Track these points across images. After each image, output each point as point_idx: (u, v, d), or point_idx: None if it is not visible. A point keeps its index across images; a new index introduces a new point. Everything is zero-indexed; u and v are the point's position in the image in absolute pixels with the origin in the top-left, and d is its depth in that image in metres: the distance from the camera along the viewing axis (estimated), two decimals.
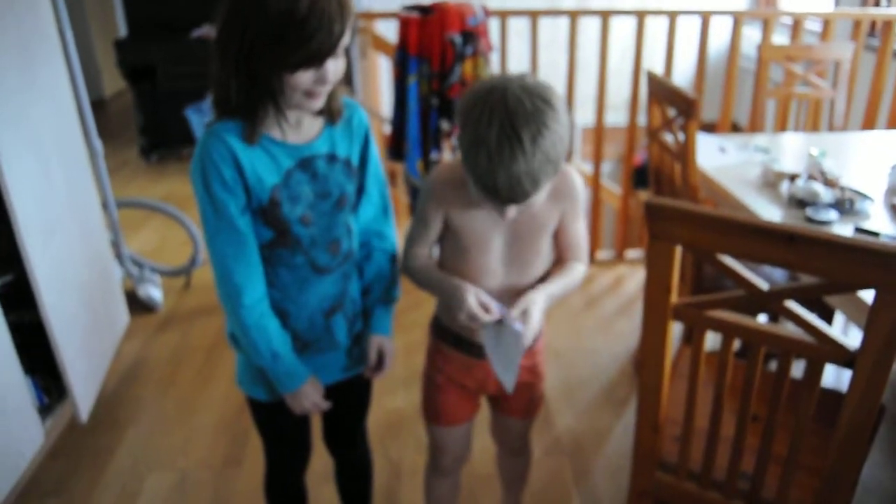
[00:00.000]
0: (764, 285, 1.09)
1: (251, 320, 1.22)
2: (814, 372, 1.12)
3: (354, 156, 1.27)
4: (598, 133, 3.23)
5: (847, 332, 2.60)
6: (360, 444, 1.62)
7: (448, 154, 2.86)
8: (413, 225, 1.36)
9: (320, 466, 1.69)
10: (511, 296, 1.31)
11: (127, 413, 2.37)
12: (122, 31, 5.20)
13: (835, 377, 2.42)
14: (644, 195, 3.78)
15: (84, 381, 2.13)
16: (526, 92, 1.10)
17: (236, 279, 1.19)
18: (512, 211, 1.18)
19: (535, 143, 1.07)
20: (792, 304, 1.09)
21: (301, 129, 1.20)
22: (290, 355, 1.27)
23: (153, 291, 3.00)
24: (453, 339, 1.40)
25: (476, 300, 1.23)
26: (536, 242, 1.31)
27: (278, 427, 1.45)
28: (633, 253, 3.45)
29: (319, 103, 1.14)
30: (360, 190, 1.32)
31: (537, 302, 1.24)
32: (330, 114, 1.22)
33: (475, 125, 1.10)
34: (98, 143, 2.59)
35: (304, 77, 1.08)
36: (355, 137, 1.27)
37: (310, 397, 1.31)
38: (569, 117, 1.14)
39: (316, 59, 1.07)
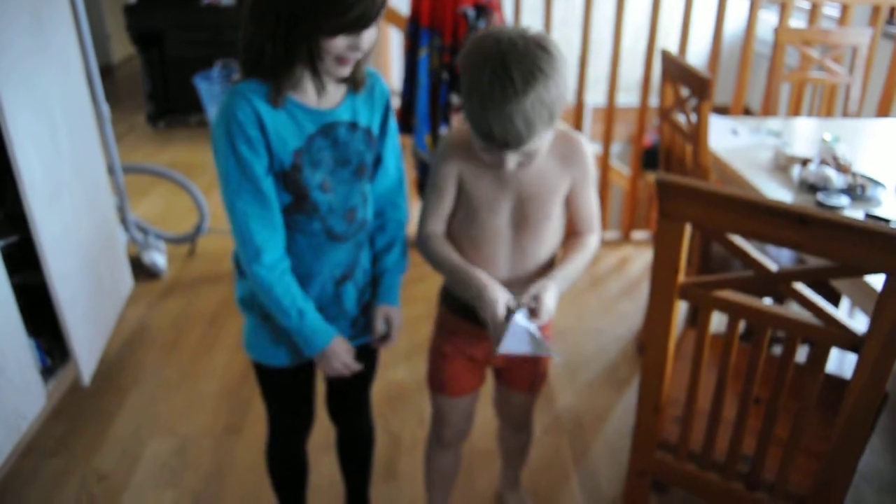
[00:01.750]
0: (773, 266, 1.08)
1: (274, 278, 1.21)
2: (819, 355, 1.11)
3: (375, 125, 1.27)
4: (610, 113, 3.20)
5: (853, 317, 2.59)
6: (364, 415, 1.62)
7: None
8: (427, 194, 1.36)
9: (321, 436, 1.70)
10: (521, 264, 1.31)
11: (129, 377, 2.38)
12: None
13: (837, 362, 2.41)
14: (652, 177, 3.76)
15: (87, 344, 2.14)
16: (521, 36, 1.11)
17: (258, 239, 1.18)
18: (511, 161, 1.18)
19: (527, 82, 1.08)
20: (800, 287, 1.08)
21: (325, 95, 1.19)
22: (314, 312, 1.26)
23: (157, 258, 3.00)
24: (462, 309, 1.40)
25: (504, 305, 1.22)
26: (545, 205, 1.30)
27: (285, 393, 1.45)
28: (640, 234, 3.43)
29: (348, 70, 1.14)
30: (378, 160, 1.32)
31: (549, 288, 1.23)
32: (354, 82, 1.21)
33: (470, 71, 1.12)
34: (105, 108, 2.57)
35: (340, 43, 1.08)
36: (376, 107, 1.27)
37: (340, 357, 1.30)
38: (565, 64, 1.14)
39: (358, 25, 1.07)
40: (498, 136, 1.12)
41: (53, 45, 2.07)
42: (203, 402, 2.27)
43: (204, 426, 2.16)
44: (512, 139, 1.12)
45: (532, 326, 1.20)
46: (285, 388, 1.43)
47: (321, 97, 1.19)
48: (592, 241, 1.35)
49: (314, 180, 1.20)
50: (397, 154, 1.36)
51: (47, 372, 2.12)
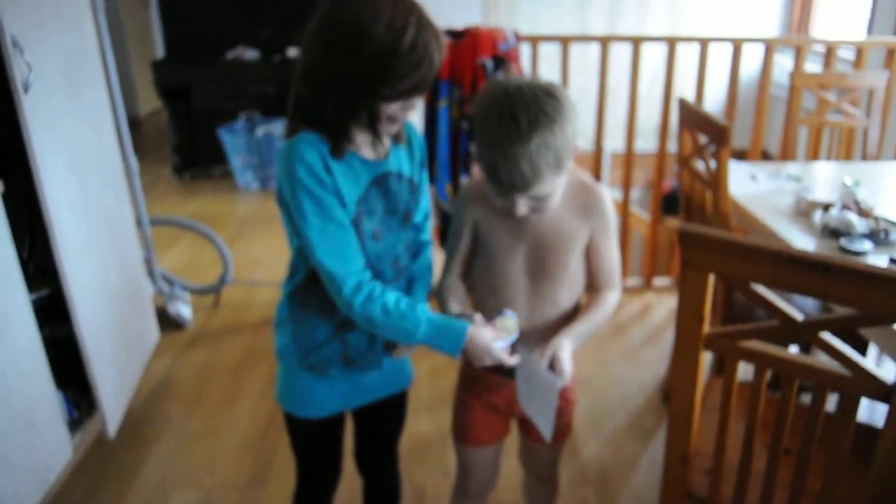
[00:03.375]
0: (798, 316, 1.07)
1: (364, 303, 1.18)
2: (849, 406, 1.10)
3: (416, 175, 1.31)
4: (628, 159, 3.22)
5: (881, 364, 2.55)
6: (392, 469, 1.62)
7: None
8: (448, 243, 1.41)
9: (346, 490, 1.69)
10: (541, 312, 1.33)
11: (154, 430, 2.39)
12: (160, 52, 5.31)
13: (868, 411, 2.36)
14: (673, 222, 3.76)
15: (114, 396, 2.15)
16: (529, 84, 1.16)
17: (357, 275, 1.18)
18: (522, 206, 1.20)
19: (532, 126, 1.12)
20: (827, 336, 1.07)
21: (376, 147, 1.23)
22: (431, 317, 1.22)
23: (183, 309, 3.03)
24: None
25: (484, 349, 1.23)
26: (562, 255, 1.31)
27: (316, 445, 1.46)
28: (662, 281, 3.42)
29: (398, 127, 1.21)
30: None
31: (564, 346, 1.25)
32: (397, 135, 1.26)
33: (480, 116, 1.17)
34: (134, 161, 2.64)
35: (396, 105, 1.13)
36: (415, 157, 1.32)
37: (484, 347, 1.23)
38: (574, 110, 1.17)
39: (416, 91, 1.13)
40: (504, 179, 1.15)
41: (85, 100, 2.14)
42: (227, 455, 2.26)
43: (228, 479, 2.16)
44: (518, 182, 1.15)
45: (549, 373, 1.21)
46: (316, 440, 1.44)
47: (372, 149, 1.23)
48: (611, 298, 1.35)
49: (368, 228, 1.23)
50: (427, 194, 1.39)
51: (74, 424, 2.13)
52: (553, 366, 1.23)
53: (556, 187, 1.21)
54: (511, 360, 1.24)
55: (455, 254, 1.40)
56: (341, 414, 1.43)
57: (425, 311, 1.22)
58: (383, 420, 1.51)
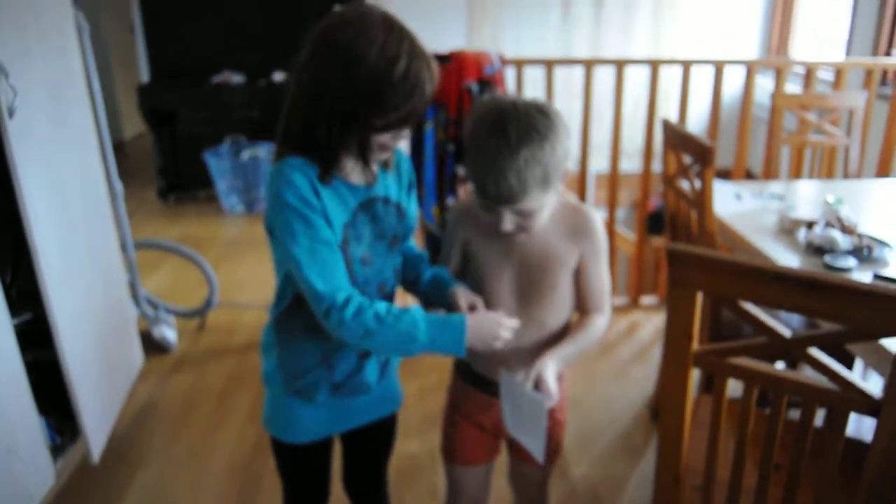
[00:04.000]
0: (787, 332, 1.08)
1: (381, 310, 1.16)
2: (838, 421, 1.10)
3: (404, 200, 1.31)
4: (613, 180, 3.24)
5: (866, 378, 2.56)
6: (381, 492, 1.60)
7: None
8: (441, 260, 1.42)
9: None
10: (529, 333, 1.32)
11: (138, 455, 2.35)
12: (145, 76, 5.31)
13: (855, 426, 2.37)
14: (658, 241, 3.78)
15: (97, 421, 2.12)
16: (522, 102, 1.18)
17: (346, 291, 1.15)
18: (508, 221, 1.21)
19: (521, 139, 1.13)
20: (814, 352, 1.08)
21: (364, 173, 1.23)
22: (426, 315, 1.19)
23: (167, 332, 3.00)
24: (472, 377, 1.40)
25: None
26: (550, 277, 1.31)
27: (303, 470, 1.44)
28: (648, 299, 3.43)
29: (388, 155, 1.21)
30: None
31: (549, 367, 1.24)
32: (385, 161, 1.26)
33: (471, 129, 1.19)
34: (119, 185, 2.62)
35: (386, 135, 1.14)
36: (403, 183, 1.32)
37: (490, 328, 1.21)
38: (566, 131, 1.19)
39: (408, 122, 1.13)
40: (491, 191, 1.16)
41: (70, 124, 2.13)
42: (212, 480, 2.23)
43: None
44: (504, 194, 1.16)
45: (536, 393, 1.21)
46: (303, 464, 1.42)
47: (359, 174, 1.23)
48: (599, 321, 1.35)
49: (357, 254, 1.22)
50: (415, 209, 1.38)
51: (56, 450, 2.10)
52: (538, 386, 1.22)
53: (542, 205, 1.21)
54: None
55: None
56: (329, 438, 1.41)
57: (419, 310, 1.19)
58: (372, 443, 1.50)
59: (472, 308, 1.28)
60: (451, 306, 1.29)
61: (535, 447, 1.24)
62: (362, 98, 1.09)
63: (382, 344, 1.17)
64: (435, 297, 1.35)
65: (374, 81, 1.07)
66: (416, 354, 1.19)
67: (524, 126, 1.14)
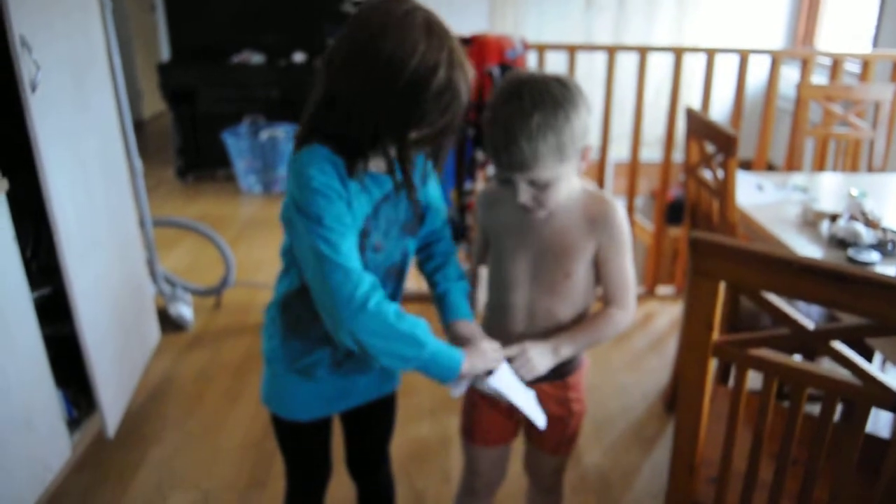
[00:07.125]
0: (810, 324, 1.07)
1: (399, 312, 1.14)
2: (859, 415, 1.09)
3: (420, 184, 1.29)
4: (633, 168, 3.22)
5: (885, 371, 2.54)
6: (384, 470, 1.60)
7: (482, 184, 2.87)
8: (474, 243, 1.46)
9: (341, 493, 1.68)
10: (539, 320, 1.33)
11: (153, 430, 2.38)
12: (165, 54, 5.32)
13: (871, 420, 2.35)
14: (676, 231, 3.75)
15: (113, 396, 2.14)
16: (541, 74, 1.19)
17: (370, 281, 1.12)
18: (524, 193, 1.20)
19: (535, 103, 1.13)
20: (837, 345, 1.07)
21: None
22: (434, 340, 1.16)
23: (184, 310, 3.02)
24: None
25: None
26: (563, 262, 1.30)
27: (303, 447, 1.45)
28: (665, 289, 3.41)
29: (416, 153, 1.17)
30: (427, 208, 1.34)
31: (538, 345, 1.26)
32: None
33: (493, 101, 1.19)
34: (138, 163, 2.63)
35: (418, 149, 1.13)
36: (419, 167, 1.29)
37: (483, 358, 1.21)
38: (586, 105, 1.19)
39: (444, 135, 1.11)
40: (504, 157, 1.16)
41: (92, 101, 2.14)
42: (226, 456, 2.25)
43: (227, 480, 2.14)
44: (516, 160, 1.15)
45: (501, 383, 1.22)
46: (303, 441, 1.43)
47: (381, 164, 1.19)
48: (616, 316, 1.32)
49: (372, 241, 1.21)
50: (439, 195, 1.37)
51: (73, 423, 2.12)
52: (517, 362, 1.25)
53: (557, 176, 1.19)
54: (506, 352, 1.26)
55: (478, 257, 1.45)
56: (329, 417, 1.42)
57: (428, 346, 1.15)
58: (372, 422, 1.50)
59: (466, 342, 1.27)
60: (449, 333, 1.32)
61: (533, 414, 1.28)
62: (399, 108, 1.05)
63: (383, 342, 1.12)
64: (438, 311, 1.37)
65: (413, 90, 1.03)
66: (412, 365, 1.15)
67: (539, 92, 1.14)
